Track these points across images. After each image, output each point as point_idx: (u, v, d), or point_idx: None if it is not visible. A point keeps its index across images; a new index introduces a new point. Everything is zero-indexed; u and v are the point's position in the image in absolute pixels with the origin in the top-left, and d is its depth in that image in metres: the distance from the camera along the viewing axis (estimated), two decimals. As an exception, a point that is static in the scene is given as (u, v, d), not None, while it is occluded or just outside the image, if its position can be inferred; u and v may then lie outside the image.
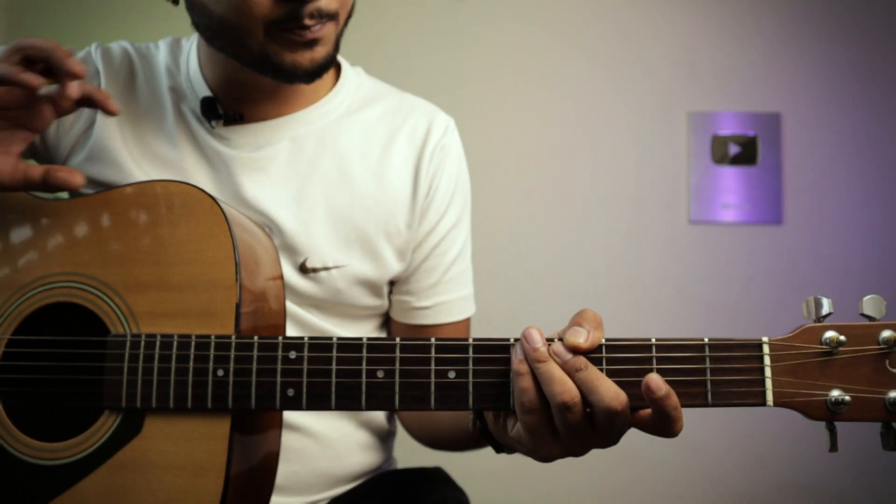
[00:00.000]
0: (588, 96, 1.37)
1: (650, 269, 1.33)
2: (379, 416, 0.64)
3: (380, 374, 0.41)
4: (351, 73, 0.63)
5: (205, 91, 0.58)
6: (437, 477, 0.66)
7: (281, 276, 0.52)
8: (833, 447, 0.37)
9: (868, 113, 1.36)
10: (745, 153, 1.36)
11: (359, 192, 0.58)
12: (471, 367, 0.40)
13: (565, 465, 1.58)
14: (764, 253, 1.34)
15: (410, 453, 0.73)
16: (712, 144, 1.36)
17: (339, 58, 0.64)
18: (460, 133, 0.65)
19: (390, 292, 0.64)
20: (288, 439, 0.56)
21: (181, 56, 0.61)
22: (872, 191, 1.35)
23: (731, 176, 1.36)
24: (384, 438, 0.65)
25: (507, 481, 1.26)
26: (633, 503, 1.29)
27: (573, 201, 1.35)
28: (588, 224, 1.34)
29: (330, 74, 0.62)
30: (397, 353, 0.41)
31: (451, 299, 0.63)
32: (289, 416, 0.57)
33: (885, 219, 1.34)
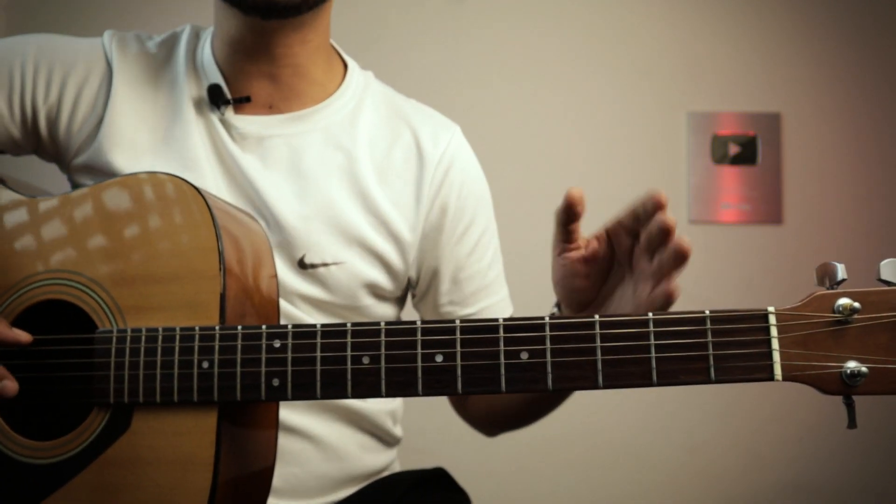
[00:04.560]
0: (588, 96, 1.37)
1: (652, 269, 1.31)
2: (383, 420, 0.62)
3: (365, 360, 0.40)
4: (358, 75, 0.63)
5: (215, 78, 0.58)
6: (438, 478, 0.64)
7: (274, 269, 0.51)
8: (852, 423, 0.34)
9: (868, 113, 1.35)
10: (745, 153, 1.35)
11: (360, 193, 0.58)
12: (458, 349, 0.38)
13: (565, 465, 1.54)
14: (764, 253, 1.32)
15: (412, 455, 0.71)
16: (712, 144, 1.35)
17: (348, 59, 0.64)
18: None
19: (412, 297, 0.64)
20: (285, 441, 0.54)
21: (199, 45, 0.60)
22: (872, 191, 1.33)
23: (730, 176, 1.35)
24: (389, 443, 0.64)
25: (508, 482, 1.24)
26: (632, 503, 1.26)
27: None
28: (588, 224, 1.31)
29: (338, 74, 0.62)
30: (382, 338, 0.40)
31: (494, 302, 0.64)
32: (286, 417, 0.55)
33: (885, 219, 1.33)
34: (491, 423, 0.64)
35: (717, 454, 1.28)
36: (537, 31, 1.36)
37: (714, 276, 1.32)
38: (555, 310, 0.51)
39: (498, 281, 0.64)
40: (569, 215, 0.46)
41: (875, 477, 1.26)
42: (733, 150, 1.33)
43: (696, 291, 1.34)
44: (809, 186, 1.34)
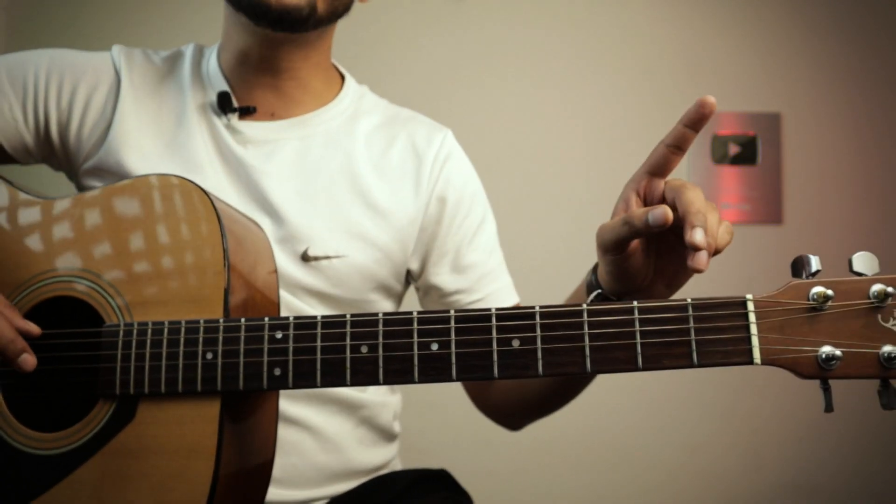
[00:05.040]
0: (588, 96, 1.38)
1: (652, 268, 1.31)
2: (383, 415, 0.63)
3: (363, 349, 0.41)
4: (354, 86, 0.67)
5: (222, 86, 0.61)
6: (441, 478, 0.65)
7: (275, 270, 0.53)
8: (828, 407, 0.35)
9: (868, 113, 1.36)
10: (745, 153, 1.36)
11: (360, 190, 0.60)
12: (453, 337, 0.40)
13: (565, 465, 1.54)
14: (763, 253, 1.32)
15: (413, 454, 0.72)
16: (712, 144, 1.36)
17: (344, 71, 0.67)
18: (459, 134, 0.68)
19: (417, 292, 0.66)
20: (284, 432, 0.56)
21: (203, 59, 0.64)
22: (872, 190, 1.34)
23: (730, 176, 1.36)
24: (387, 439, 0.65)
25: (509, 482, 1.24)
26: (632, 503, 1.26)
27: (573, 202, 1.35)
28: (588, 225, 1.33)
29: (336, 86, 0.65)
30: (380, 328, 0.41)
31: (498, 287, 0.65)
32: (286, 408, 0.57)
33: (885, 219, 1.33)
34: (522, 411, 0.63)
35: (717, 454, 1.28)
36: (537, 31, 1.38)
37: (714, 276, 1.33)
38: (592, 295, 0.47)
39: (500, 269, 0.66)
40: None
41: (875, 477, 1.26)
42: (733, 150, 1.34)
43: (696, 291, 1.35)
44: (809, 186, 1.34)
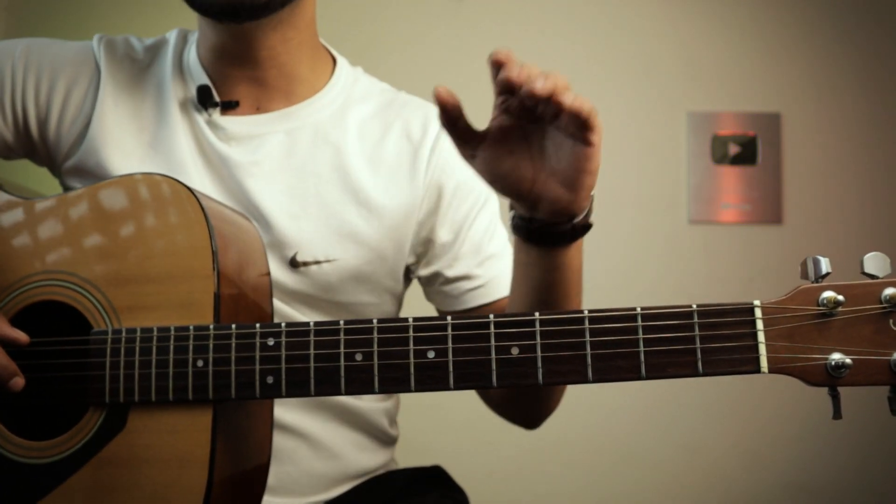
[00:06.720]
0: (588, 96, 1.37)
1: (650, 269, 1.31)
2: (380, 419, 0.62)
3: (358, 357, 0.40)
4: (347, 70, 0.63)
5: (202, 80, 0.58)
6: (436, 476, 0.64)
7: (267, 271, 0.51)
8: (837, 415, 0.34)
9: (868, 113, 1.35)
10: (745, 153, 1.35)
11: (352, 187, 0.58)
12: (450, 345, 0.39)
13: (565, 465, 1.53)
14: (764, 253, 1.32)
15: (411, 454, 0.71)
16: (712, 144, 1.35)
17: (337, 55, 0.64)
18: None
19: (421, 285, 0.62)
20: (279, 439, 0.54)
21: (185, 48, 0.61)
22: (872, 190, 1.34)
23: (730, 176, 1.35)
24: (385, 442, 0.63)
25: (508, 481, 1.24)
26: (633, 503, 1.25)
27: (573, 202, 1.34)
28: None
29: (326, 71, 0.62)
30: (375, 335, 0.40)
31: (499, 272, 0.60)
32: (280, 415, 0.55)
33: (885, 219, 1.33)
34: (540, 404, 0.58)
35: (718, 454, 1.28)
36: (537, 31, 1.37)
37: (714, 276, 1.33)
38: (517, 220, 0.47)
39: (502, 254, 0.60)
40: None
41: (875, 477, 1.26)
42: (733, 150, 1.34)
43: (697, 291, 1.35)
44: (809, 186, 1.34)
